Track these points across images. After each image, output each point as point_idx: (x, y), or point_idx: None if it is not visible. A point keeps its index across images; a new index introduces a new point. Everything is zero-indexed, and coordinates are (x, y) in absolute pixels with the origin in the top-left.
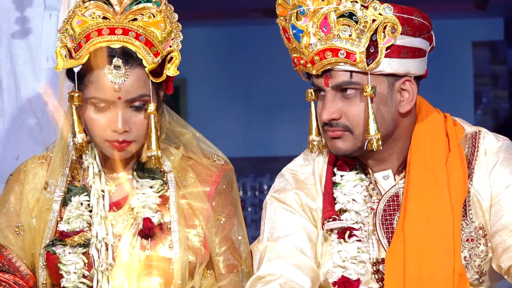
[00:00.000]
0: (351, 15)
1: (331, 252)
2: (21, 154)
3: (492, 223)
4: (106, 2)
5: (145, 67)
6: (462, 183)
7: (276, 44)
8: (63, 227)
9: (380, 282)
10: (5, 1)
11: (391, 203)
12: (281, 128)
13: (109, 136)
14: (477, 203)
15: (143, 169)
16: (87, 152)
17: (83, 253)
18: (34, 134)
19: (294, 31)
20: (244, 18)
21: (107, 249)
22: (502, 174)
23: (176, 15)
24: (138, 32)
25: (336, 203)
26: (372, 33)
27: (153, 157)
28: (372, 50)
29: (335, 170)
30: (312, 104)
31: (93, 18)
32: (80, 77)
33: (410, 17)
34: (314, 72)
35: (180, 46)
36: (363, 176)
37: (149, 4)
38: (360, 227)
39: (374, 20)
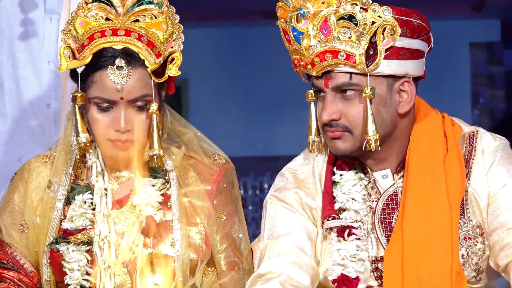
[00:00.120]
0: (350, 17)
1: (331, 250)
2: (23, 156)
3: (490, 221)
4: (109, 3)
5: (147, 67)
6: (460, 182)
7: (276, 45)
8: (66, 225)
9: (379, 280)
10: (6, 5)
11: (389, 202)
12: (281, 127)
13: (112, 135)
14: (474, 202)
15: (145, 168)
16: (90, 151)
17: (87, 251)
18: (36, 135)
19: (295, 33)
20: (245, 20)
21: (109, 246)
22: (499, 173)
23: (178, 16)
24: (140, 33)
25: (335, 202)
26: (371, 35)
27: (155, 156)
28: (372, 52)
29: (334, 169)
30: (312, 104)
31: (96, 19)
32: (83, 78)
33: (409, 19)
34: (314, 74)
35: (182, 47)
36: (362, 175)
37: (151, 6)
38: (359, 225)
39: (373, 23)
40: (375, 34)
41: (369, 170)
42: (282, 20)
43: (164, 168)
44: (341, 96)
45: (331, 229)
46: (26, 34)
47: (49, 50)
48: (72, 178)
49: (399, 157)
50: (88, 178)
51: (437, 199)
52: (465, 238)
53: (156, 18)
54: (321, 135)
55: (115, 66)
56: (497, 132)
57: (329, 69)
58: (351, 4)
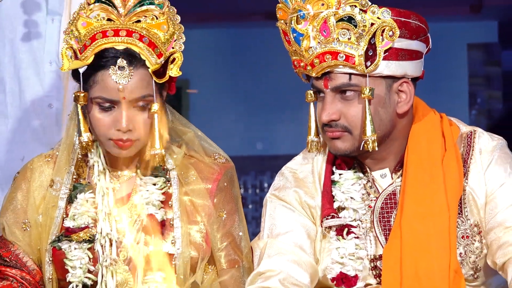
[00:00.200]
0: (350, 19)
1: (330, 248)
2: (26, 155)
3: (487, 220)
4: (111, 4)
5: (149, 68)
6: (458, 181)
7: (276, 46)
8: (68, 223)
9: (377, 278)
10: (8, 6)
11: (388, 201)
12: (281, 127)
13: (114, 135)
14: (472, 201)
15: (146, 167)
16: (92, 150)
17: (88, 249)
18: (38, 135)
19: (294, 34)
20: (245, 21)
21: (111, 244)
22: (496, 172)
23: (179, 17)
24: (142, 34)
25: (334, 201)
26: (370, 36)
27: (156, 155)
28: (371, 53)
29: (333, 168)
30: (311, 105)
31: (97, 20)
32: (85, 78)
33: (408, 20)
34: (314, 75)
35: (183, 48)
36: (361, 174)
37: (152, 7)
38: (358, 224)
39: (372, 24)
40: (374, 35)
41: (368, 169)
42: (282, 21)
43: (165, 167)
44: (340, 97)
45: (330, 227)
46: (28, 35)
47: (50, 51)
48: (74, 177)
49: (398, 157)
50: (90, 177)
51: (435, 198)
52: (463, 237)
53: (157, 19)
54: (320, 135)
55: (116, 66)
56: (494, 132)
57: (328, 70)
58: (350, 5)
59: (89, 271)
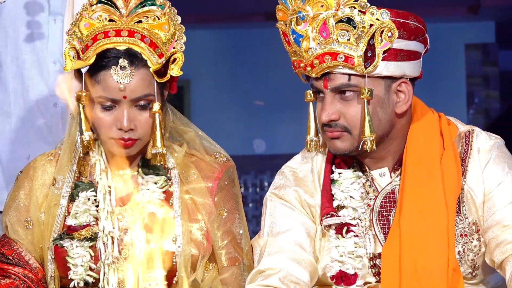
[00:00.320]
0: (349, 20)
1: (329, 247)
2: (31, 154)
3: (485, 218)
4: (113, 5)
5: (150, 67)
6: (456, 180)
7: (276, 47)
8: (70, 221)
9: (376, 276)
10: (10, 7)
11: (387, 200)
12: (281, 127)
13: (115, 134)
14: (470, 199)
15: (148, 165)
16: (94, 149)
17: (90, 247)
18: (43, 134)
19: (294, 35)
20: (245, 21)
21: (113, 242)
22: (494, 171)
23: (179, 18)
24: (143, 34)
25: (334, 200)
26: (369, 37)
27: (158, 154)
28: (370, 54)
29: (333, 168)
30: (311, 104)
31: (100, 20)
32: (87, 77)
33: (406, 21)
34: (313, 75)
35: (184, 48)
36: (360, 173)
37: (154, 7)
38: (357, 223)
39: (371, 25)
40: (373, 36)
41: (367, 168)
42: (282, 22)
43: (166, 165)
44: (340, 97)
45: (329, 226)
46: (31, 35)
47: (54, 51)
48: (76, 175)
49: (397, 156)
50: (92, 176)
51: (433, 197)
52: (461, 235)
53: (158, 19)
54: (319, 135)
55: (118, 66)
56: (492, 131)
57: (328, 70)
58: (349, 7)
59: (91, 269)
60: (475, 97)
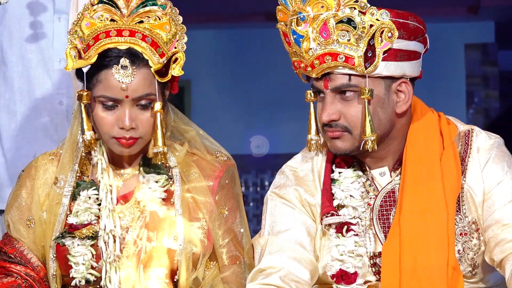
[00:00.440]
0: (349, 21)
1: (330, 246)
2: (37, 152)
3: (485, 217)
4: (114, 5)
5: (151, 67)
6: (456, 179)
7: (277, 47)
8: (72, 220)
9: (377, 275)
10: (15, 7)
11: (387, 199)
12: (281, 126)
13: (117, 133)
14: (470, 198)
15: (149, 164)
16: (95, 148)
17: (92, 245)
18: (49, 132)
19: (295, 36)
20: (246, 22)
21: (114, 241)
22: (494, 170)
23: (181, 18)
24: (145, 34)
25: (334, 199)
26: (369, 38)
27: (159, 153)
28: (370, 54)
29: (333, 167)
30: (311, 104)
31: (101, 20)
32: (88, 77)
33: (406, 21)
34: (314, 75)
35: (185, 48)
36: (360, 173)
37: (155, 7)
38: (358, 222)
39: (371, 26)
40: (373, 36)
41: (367, 168)
42: (282, 23)
43: (167, 164)
44: (340, 97)
45: (330, 225)
46: (36, 34)
47: (59, 49)
48: (78, 174)
49: (397, 155)
50: (94, 175)
51: (433, 196)
52: (461, 234)
53: (159, 19)
54: (320, 134)
55: (119, 65)
56: (491, 131)
57: (328, 71)
58: (349, 7)
59: (92, 267)
60: (474, 97)
